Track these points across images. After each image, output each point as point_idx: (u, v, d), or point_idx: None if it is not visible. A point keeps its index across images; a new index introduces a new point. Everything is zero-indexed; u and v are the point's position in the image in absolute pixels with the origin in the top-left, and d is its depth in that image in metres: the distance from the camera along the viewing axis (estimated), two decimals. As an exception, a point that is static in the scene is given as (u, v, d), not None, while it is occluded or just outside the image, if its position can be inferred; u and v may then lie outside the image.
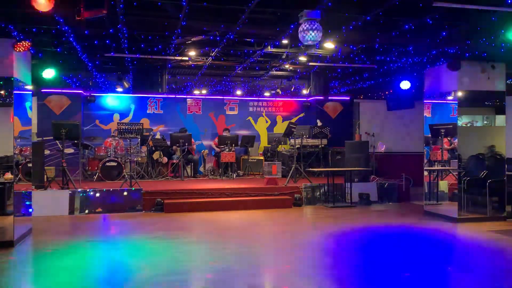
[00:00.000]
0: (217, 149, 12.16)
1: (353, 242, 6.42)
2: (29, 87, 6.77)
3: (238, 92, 16.88)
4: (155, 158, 11.68)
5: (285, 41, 11.04)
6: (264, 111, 14.33)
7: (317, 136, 11.50)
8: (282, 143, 12.84)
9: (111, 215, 8.32)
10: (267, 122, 14.31)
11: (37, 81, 10.13)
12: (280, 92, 15.60)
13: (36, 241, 6.38)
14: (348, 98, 14.95)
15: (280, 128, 13.86)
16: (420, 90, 9.23)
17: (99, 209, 8.50)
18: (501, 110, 8.34)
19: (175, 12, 8.89)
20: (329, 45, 10.72)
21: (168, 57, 12.46)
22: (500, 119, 11.57)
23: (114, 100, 13.24)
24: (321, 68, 14.33)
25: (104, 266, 5.27)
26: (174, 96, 14.11)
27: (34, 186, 8.44)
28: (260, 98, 14.76)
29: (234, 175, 11.65)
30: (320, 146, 12.03)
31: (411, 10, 8.86)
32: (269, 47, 11.56)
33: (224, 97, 14.41)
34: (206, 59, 12.91)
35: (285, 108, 14.52)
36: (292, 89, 16.38)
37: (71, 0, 7.72)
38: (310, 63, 13.37)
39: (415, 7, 8.60)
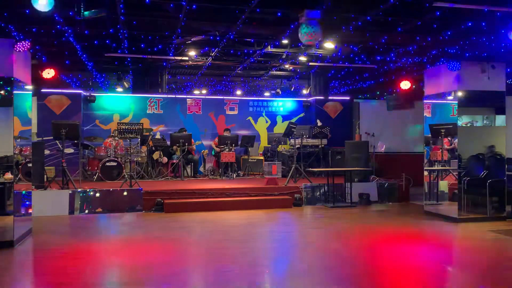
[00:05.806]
0: (217, 149, 12.15)
1: (353, 242, 6.41)
2: (29, 87, 6.76)
3: (238, 92, 16.88)
4: (155, 158, 11.68)
5: (285, 41, 11.03)
6: (264, 111, 14.34)
7: (317, 136, 11.50)
8: (282, 143, 12.84)
9: (111, 215, 8.33)
10: (267, 122, 14.32)
11: (37, 81, 10.13)
12: (280, 92, 15.60)
13: (36, 241, 6.37)
14: (348, 98, 14.97)
15: (280, 128, 13.87)
16: (420, 90, 9.23)
17: (99, 209, 8.50)
18: (501, 110, 8.33)
19: (175, 12, 8.89)
20: (329, 45, 10.73)
21: (168, 57, 12.46)
22: (500, 119, 11.55)
23: (114, 100, 13.26)
24: (321, 68, 14.32)
25: (104, 266, 5.27)
26: (174, 96, 14.12)
27: (34, 186, 8.43)
28: (260, 98, 14.76)
29: (234, 175, 11.65)
30: (320, 146, 12.03)
31: (411, 10, 8.86)
32: (269, 47, 11.55)
33: (224, 97, 14.43)
34: (206, 59, 12.91)
35: (285, 108, 14.53)
36: (292, 89, 16.37)
37: (71, 0, 7.75)
38: (310, 63, 13.36)
39: (415, 7, 8.60)
